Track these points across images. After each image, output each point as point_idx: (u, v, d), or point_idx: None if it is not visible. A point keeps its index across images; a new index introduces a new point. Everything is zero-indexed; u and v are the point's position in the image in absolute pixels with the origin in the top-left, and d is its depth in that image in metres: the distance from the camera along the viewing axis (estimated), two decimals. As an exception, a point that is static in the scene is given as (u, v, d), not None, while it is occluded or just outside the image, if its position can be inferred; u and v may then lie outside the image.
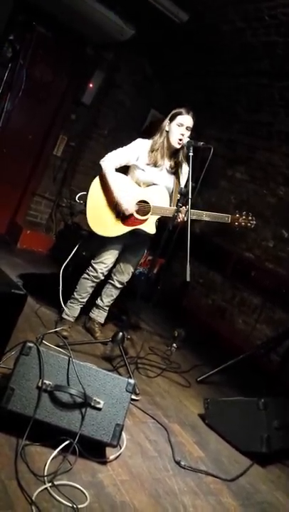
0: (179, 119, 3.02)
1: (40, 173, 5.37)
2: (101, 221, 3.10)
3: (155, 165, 3.10)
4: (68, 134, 5.34)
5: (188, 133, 3.03)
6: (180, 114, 3.03)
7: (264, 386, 3.53)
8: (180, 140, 3.02)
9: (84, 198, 3.15)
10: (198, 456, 2.49)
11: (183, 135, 3.01)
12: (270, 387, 3.50)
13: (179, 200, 2.95)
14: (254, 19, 3.84)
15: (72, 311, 3.33)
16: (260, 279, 4.92)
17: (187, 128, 3.02)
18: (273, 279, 4.77)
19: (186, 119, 3.02)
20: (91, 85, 5.17)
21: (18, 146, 5.11)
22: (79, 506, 1.69)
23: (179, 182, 3.16)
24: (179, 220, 2.95)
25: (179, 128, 3.01)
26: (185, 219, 2.92)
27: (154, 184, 3.12)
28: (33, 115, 5.11)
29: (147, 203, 3.08)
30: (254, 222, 3.11)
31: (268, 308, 4.77)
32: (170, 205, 3.11)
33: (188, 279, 2.68)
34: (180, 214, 2.94)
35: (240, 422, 2.75)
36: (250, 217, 3.11)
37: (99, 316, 3.50)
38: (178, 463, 2.31)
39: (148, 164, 3.11)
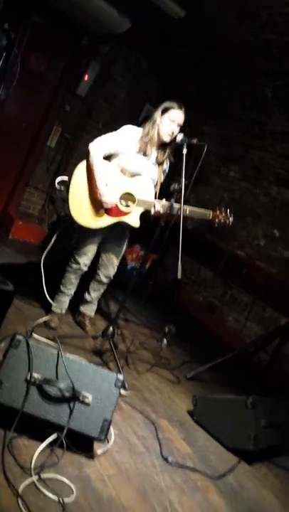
0: (171, 114, 2.99)
1: (33, 164, 5.31)
2: (84, 210, 3.01)
3: (144, 154, 3.06)
4: (62, 125, 5.30)
5: (178, 129, 3.01)
6: (172, 108, 3.00)
7: (253, 384, 3.54)
8: (170, 136, 3.01)
9: (65, 183, 3.03)
10: (185, 453, 2.48)
11: (173, 132, 3.00)
12: (258, 385, 3.51)
13: (172, 196, 2.94)
14: (250, 17, 3.83)
15: (60, 303, 3.30)
16: (251, 277, 4.93)
17: (178, 125, 3.01)
18: (264, 278, 4.78)
19: (178, 116, 3.00)
20: (86, 77, 5.12)
21: (11, 136, 5.04)
22: (65, 500, 1.68)
23: (162, 176, 3.15)
24: (154, 210, 2.98)
25: (171, 124, 2.99)
26: (161, 211, 2.96)
27: (139, 174, 3.07)
28: (27, 105, 5.05)
29: (132, 195, 3.03)
30: (232, 219, 3.12)
31: (258, 306, 4.78)
32: (155, 198, 3.09)
33: (179, 276, 2.68)
34: (157, 204, 2.97)
35: (229, 419, 2.75)
36: (228, 215, 3.10)
37: (88, 309, 3.49)
38: (165, 459, 2.30)
39: (137, 152, 3.05)
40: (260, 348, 3.80)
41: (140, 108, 5.70)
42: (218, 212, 3.10)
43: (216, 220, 3.10)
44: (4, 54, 4.17)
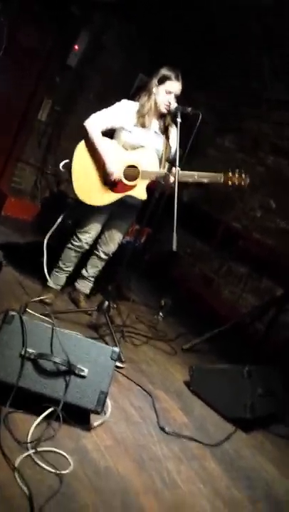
0: (168, 85, 2.91)
1: (24, 138, 5.20)
2: (88, 189, 2.99)
3: (143, 126, 3.00)
4: (53, 97, 5.17)
5: (174, 100, 2.92)
6: (169, 79, 2.91)
7: (249, 354, 3.56)
8: (167, 106, 2.93)
9: (68, 165, 3.01)
10: (182, 423, 2.51)
11: (170, 103, 2.92)
12: (254, 355, 3.53)
13: (167, 167, 2.89)
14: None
15: (56, 279, 3.28)
16: (247, 248, 4.90)
17: (175, 95, 2.92)
18: (260, 249, 4.76)
19: (175, 87, 2.92)
20: (76, 47, 4.96)
21: (0, 110, 4.94)
22: (62, 472, 1.69)
23: (169, 144, 3.07)
24: (168, 182, 2.84)
25: (167, 95, 2.92)
26: (171, 180, 2.83)
27: (141, 146, 3.00)
28: (15, 78, 4.91)
29: (136, 167, 2.96)
30: (248, 180, 2.89)
31: (254, 277, 4.78)
32: (160, 169, 3.01)
33: (174, 248, 2.62)
34: (170, 177, 2.83)
35: (225, 389, 2.77)
36: (243, 175, 2.88)
37: (83, 286, 3.46)
38: (162, 429, 2.33)
39: (135, 125, 2.99)
40: (256, 318, 3.82)
41: (133, 78, 5.56)
42: (230, 174, 2.87)
43: (230, 183, 2.87)
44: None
